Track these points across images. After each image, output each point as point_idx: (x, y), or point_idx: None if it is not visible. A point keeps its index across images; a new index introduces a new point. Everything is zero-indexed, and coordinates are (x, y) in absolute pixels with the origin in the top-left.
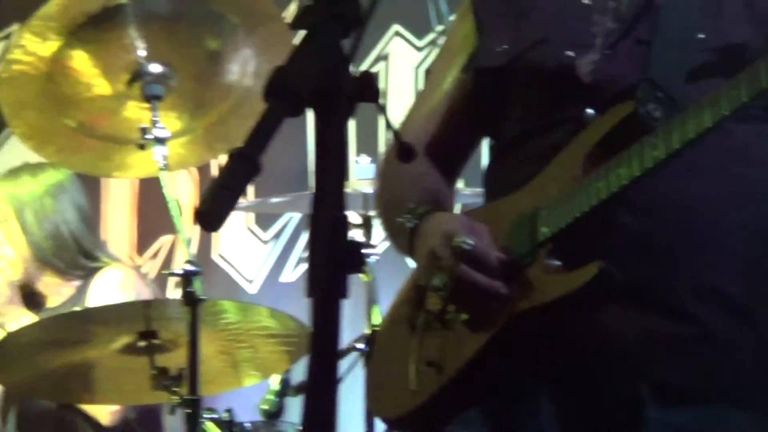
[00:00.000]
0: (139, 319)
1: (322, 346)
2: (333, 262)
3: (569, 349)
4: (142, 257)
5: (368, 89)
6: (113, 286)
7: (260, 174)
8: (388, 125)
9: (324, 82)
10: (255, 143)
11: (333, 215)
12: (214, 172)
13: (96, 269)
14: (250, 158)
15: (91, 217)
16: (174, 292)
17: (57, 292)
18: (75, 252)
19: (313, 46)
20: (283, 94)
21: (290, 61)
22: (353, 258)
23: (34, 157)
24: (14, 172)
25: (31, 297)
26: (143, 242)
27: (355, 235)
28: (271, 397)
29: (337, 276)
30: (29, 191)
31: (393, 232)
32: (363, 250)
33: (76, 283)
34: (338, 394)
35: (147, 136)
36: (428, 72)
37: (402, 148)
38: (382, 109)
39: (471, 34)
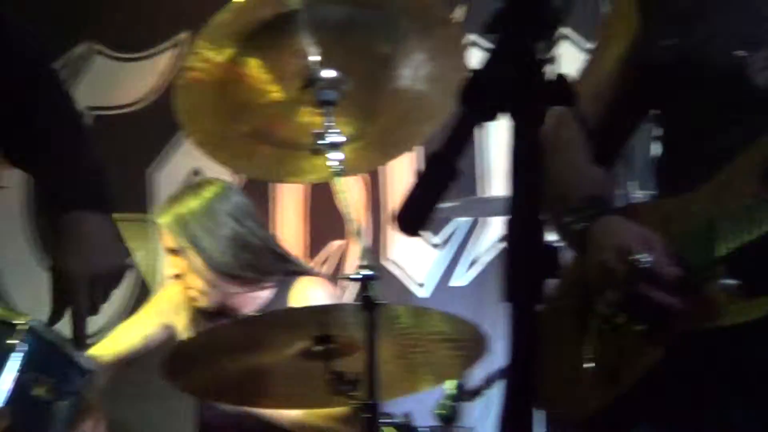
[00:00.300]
0: (316, 324)
1: (519, 350)
2: (530, 266)
3: (760, 360)
4: (312, 262)
5: (564, 93)
6: (312, 294)
7: (458, 178)
8: (582, 125)
9: (519, 86)
10: (452, 147)
11: (529, 220)
12: (385, 176)
13: (288, 274)
14: (447, 163)
15: (263, 222)
16: (346, 296)
17: (252, 301)
18: (262, 257)
19: (508, 50)
20: (478, 100)
21: (484, 66)
22: (550, 262)
23: (205, 162)
24: (176, 197)
25: (224, 313)
26: (314, 247)
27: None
28: (447, 401)
29: (534, 281)
30: (192, 208)
31: (559, 226)
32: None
33: (273, 289)
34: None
35: (321, 141)
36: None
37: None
38: (578, 112)
39: (632, 21)
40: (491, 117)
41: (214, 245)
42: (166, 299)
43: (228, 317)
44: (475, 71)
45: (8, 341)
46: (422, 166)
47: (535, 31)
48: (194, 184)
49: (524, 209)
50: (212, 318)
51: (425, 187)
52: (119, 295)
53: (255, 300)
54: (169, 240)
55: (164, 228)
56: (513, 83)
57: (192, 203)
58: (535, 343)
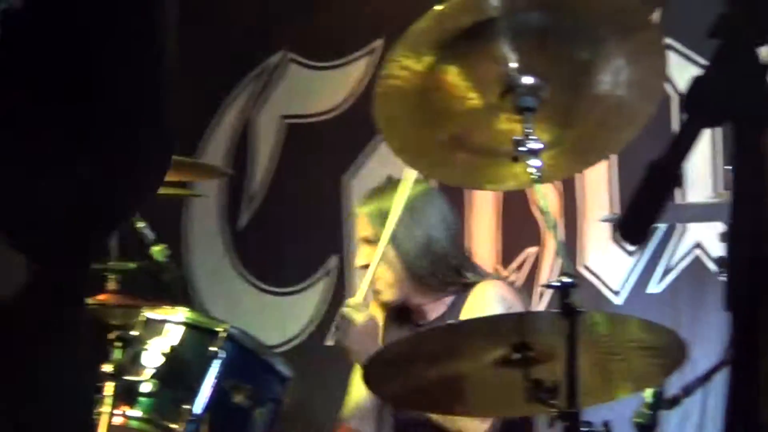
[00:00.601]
0: (513, 332)
1: (743, 360)
2: (753, 275)
3: None
4: (506, 269)
5: None
6: (489, 300)
7: (680, 186)
8: None
9: (743, 92)
10: (674, 154)
11: (752, 227)
12: (582, 183)
13: (467, 285)
14: (669, 170)
15: (458, 230)
16: (539, 303)
17: (430, 310)
18: (446, 268)
19: (732, 56)
20: (704, 106)
21: (709, 71)
22: None
23: (399, 169)
24: (378, 189)
25: (410, 319)
26: (508, 254)
27: None
28: (645, 410)
29: (758, 289)
30: (394, 203)
31: None
32: None
33: (448, 300)
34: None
35: (520, 148)
36: None
37: None
38: None
39: None
40: (715, 123)
41: (410, 241)
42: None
43: (414, 324)
44: (699, 77)
45: (209, 348)
46: (644, 174)
47: (758, 36)
48: (399, 179)
49: (747, 217)
50: (401, 324)
51: (648, 195)
52: (313, 301)
53: (440, 306)
54: (366, 229)
55: (364, 217)
56: (736, 89)
57: (396, 199)
58: (758, 352)
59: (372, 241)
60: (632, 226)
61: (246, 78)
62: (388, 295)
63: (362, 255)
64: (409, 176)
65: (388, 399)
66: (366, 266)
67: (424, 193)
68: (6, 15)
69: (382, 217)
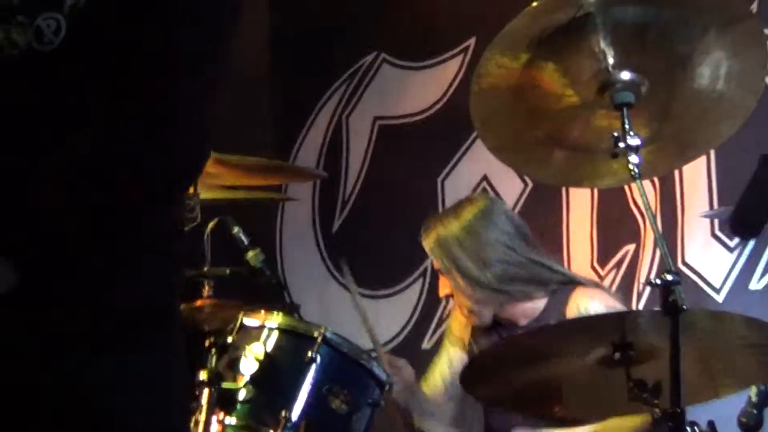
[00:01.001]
0: (614, 331)
1: None
2: None
3: None
4: (604, 268)
5: None
6: (591, 303)
7: None
8: None
9: None
10: None
11: None
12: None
13: (560, 285)
14: None
15: (526, 236)
16: (639, 302)
17: (519, 316)
18: (521, 277)
19: None
20: None
21: None
22: None
23: (494, 168)
24: (438, 217)
25: (501, 325)
26: (605, 252)
27: None
28: (751, 409)
29: None
30: (452, 231)
31: None
32: None
33: (540, 304)
34: None
35: (619, 145)
36: None
37: None
38: None
39: None
40: None
41: (476, 266)
42: (456, 320)
43: (505, 329)
44: None
45: (306, 353)
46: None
47: None
48: (456, 204)
49: None
50: (489, 331)
51: (761, 189)
52: (409, 304)
53: (530, 310)
54: (435, 262)
55: (428, 251)
56: None
57: (453, 225)
58: None
59: (443, 272)
60: (745, 221)
61: (339, 80)
62: (473, 320)
63: (442, 285)
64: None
65: (484, 400)
66: (449, 296)
67: (480, 211)
68: (73, 9)
69: (441, 247)
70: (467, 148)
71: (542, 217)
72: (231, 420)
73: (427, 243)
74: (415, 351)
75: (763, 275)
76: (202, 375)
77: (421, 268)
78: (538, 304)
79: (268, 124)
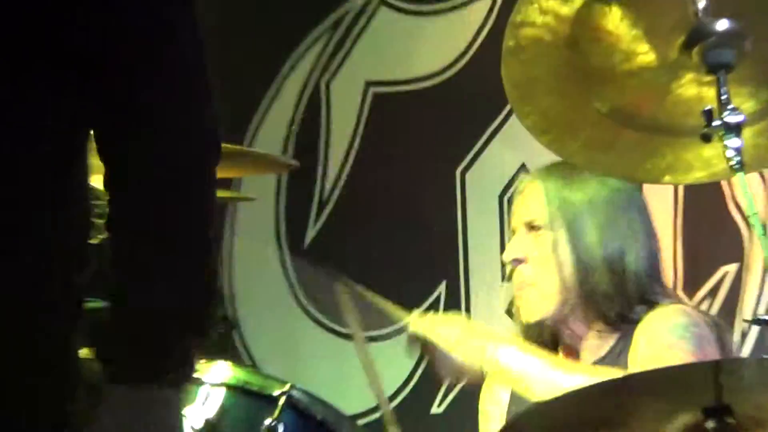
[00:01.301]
0: (705, 388)
1: None
2: None
3: None
4: (693, 297)
5: None
6: (670, 330)
7: None
8: None
9: None
10: None
11: None
12: None
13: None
14: None
15: (656, 249)
16: (743, 343)
17: (585, 348)
18: (630, 295)
19: None
20: None
21: None
22: None
23: (532, 154)
24: (569, 169)
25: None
26: (693, 275)
27: None
28: None
29: None
30: (590, 196)
31: None
32: None
33: (612, 340)
34: None
35: (713, 123)
36: None
37: None
38: None
39: None
40: None
41: (599, 256)
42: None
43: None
44: None
45: (263, 420)
46: None
47: None
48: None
49: None
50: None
51: None
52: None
53: (601, 346)
54: (536, 209)
55: (540, 191)
56: None
57: (590, 188)
58: None
59: (536, 228)
60: None
61: (315, 31)
62: (540, 312)
63: (517, 245)
64: None
65: None
66: (519, 261)
67: (627, 190)
68: None
69: (563, 200)
70: (497, 128)
71: None
72: None
73: (545, 185)
74: (420, 416)
75: None
76: None
77: (432, 297)
78: (614, 337)
79: (213, 94)
